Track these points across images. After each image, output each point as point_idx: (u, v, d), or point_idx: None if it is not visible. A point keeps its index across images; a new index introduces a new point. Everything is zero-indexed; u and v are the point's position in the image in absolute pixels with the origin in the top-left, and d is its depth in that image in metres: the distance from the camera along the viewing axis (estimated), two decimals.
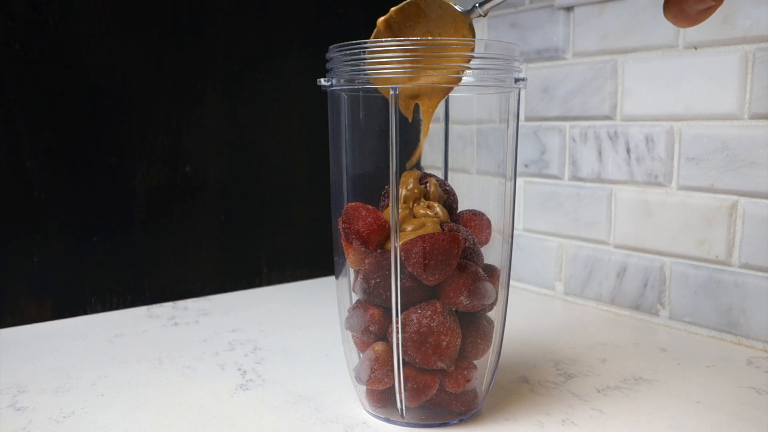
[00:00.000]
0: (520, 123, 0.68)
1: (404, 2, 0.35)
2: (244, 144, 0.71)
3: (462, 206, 0.40)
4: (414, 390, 0.37)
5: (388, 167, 0.35)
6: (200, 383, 0.45)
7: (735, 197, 0.53)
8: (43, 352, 0.51)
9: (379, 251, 0.37)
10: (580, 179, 0.64)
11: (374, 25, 0.36)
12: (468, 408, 0.39)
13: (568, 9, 0.63)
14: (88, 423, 0.39)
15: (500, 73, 0.37)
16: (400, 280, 0.36)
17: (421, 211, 0.37)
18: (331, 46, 0.37)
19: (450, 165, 0.43)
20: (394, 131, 0.35)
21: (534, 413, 0.40)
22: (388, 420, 0.39)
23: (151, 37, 0.64)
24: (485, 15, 0.35)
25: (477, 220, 0.39)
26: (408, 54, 0.34)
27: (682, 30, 0.55)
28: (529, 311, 0.63)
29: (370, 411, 0.40)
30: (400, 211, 0.37)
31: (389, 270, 0.36)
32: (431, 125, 0.38)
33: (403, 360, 0.37)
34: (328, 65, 0.38)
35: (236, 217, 0.72)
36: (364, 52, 0.35)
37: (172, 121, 0.66)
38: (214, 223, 0.70)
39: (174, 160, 0.67)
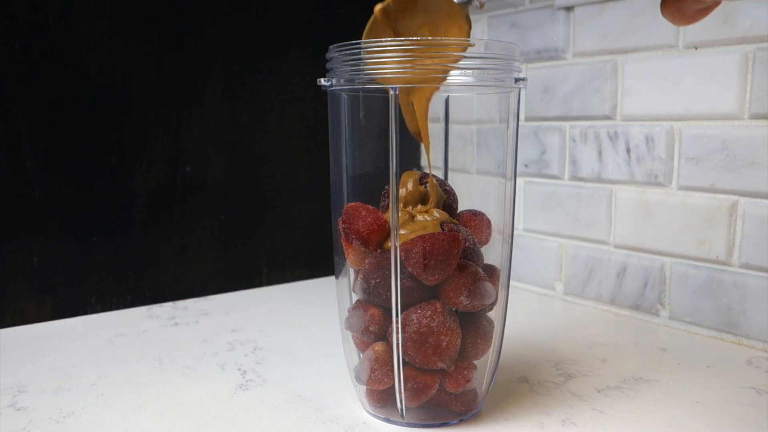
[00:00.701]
0: (520, 123, 0.68)
1: None
2: (244, 144, 0.71)
3: (462, 206, 0.40)
4: (414, 390, 0.37)
5: (388, 167, 0.35)
6: (200, 383, 0.45)
7: (735, 197, 0.53)
8: (43, 352, 0.51)
9: (379, 251, 0.37)
10: (580, 179, 0.64)
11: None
12: (468, 408, 0.39)
13: (568, 9, 0.63)
14: (88, 423, 0.39)
15: (500, 73, 0.37)
16: (400, 280, 0.36)
17: (420, 217, 0.37)
18: (331, 46, 0.37)
19: (450, 165, 0.43)
20: (394, 131, 0.35)
21: (534, 413, 0.40)
22: (388, 420, 0.39)
23: (151, 37, 0.64)
24: (481, 7, 0.35)
25: (477, 220, 0.39)
26: (407, 52, 0.34)
27: (682, 30, 0.55)
28: (529, 311, 0.63)
29: (370, 411, 0.40)
30: (399, 215, 0.37)
31: (389, 270, 0.36)
32: (431, 125, 0.38)
33: (403, 360, 0.37)
34: (328, 65, 0.38)
35: (236, 217, 0.72)
36: (364, 52, 0.35)
37: (172, 121, 0.66)
38: (214, 223, 0.70)
39: (174, 160, 0.67)
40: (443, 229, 0.37)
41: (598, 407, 0.41)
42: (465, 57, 0.35)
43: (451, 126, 0.42)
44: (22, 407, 0.41)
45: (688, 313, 0.56)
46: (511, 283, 0.51)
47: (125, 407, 0.41)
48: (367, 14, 0.35)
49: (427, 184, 0.38)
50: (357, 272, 0.38)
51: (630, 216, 0.60)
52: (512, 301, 0.44)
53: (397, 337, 0.36)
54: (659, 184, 0.58)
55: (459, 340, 0.37)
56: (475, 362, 0.38)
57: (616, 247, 0.62)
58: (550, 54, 0.65)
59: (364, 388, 0.40)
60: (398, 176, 0.36)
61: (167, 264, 0.67)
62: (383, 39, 0.34)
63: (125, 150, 0.63)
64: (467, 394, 0.39)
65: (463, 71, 0.35)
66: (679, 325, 0.57)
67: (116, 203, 0.64)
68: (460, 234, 0.36)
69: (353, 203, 0.38)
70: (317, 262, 0.77)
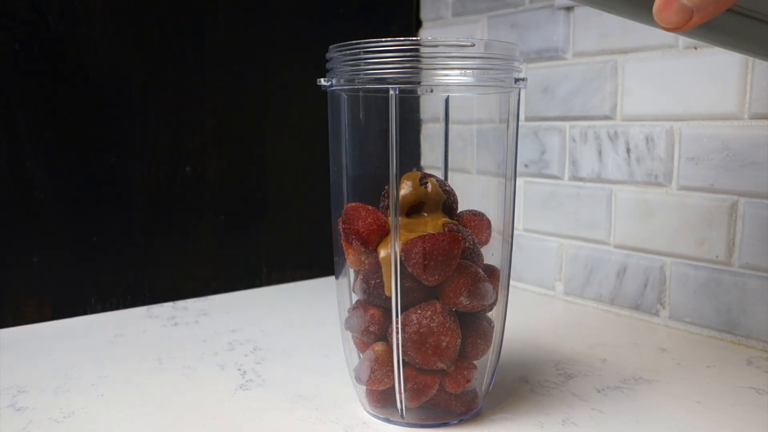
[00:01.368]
0: (520, 123, 0.68)
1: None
2: (244, 144, 0.71)
3: (462, 206, 0.40)
4: (414, 390, 0.37)
5: (388, 168, 0.35)
6: (200, 383, 0.45)
7: (735, 197, 0.53)
8: (43, 352, 0.51)
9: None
10: (580, 179, 0.64)
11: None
12: (468, 408, 0.39)
13: (568, 9, 0.63)
14: (88, 423, 0.39)
15: (500, 73, 0.37)
16: (400, 280, 0.36)
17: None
18: (331, 46, 0.37)
19: (450, 165, 0.43)
20: (394, 131, 0.35)
21: (534, 413, 0.40)
22: (388, 420, 0.39)
23: (151, 37, 0.64)
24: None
25: (477, 220, 0.39)
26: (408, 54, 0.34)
27: None
28: (529, 311, 0.63)
29: (370, 411, 0.40)
30: (399, 220, 0.37)
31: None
32: (431, 125, 0.38)
33: (403, 360, 0.37)
34: (328, 65, 0.38)
35: (236, 217, 0.72)
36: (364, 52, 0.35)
37: (172, 121, 0.66)
38: (214, 223, 0.70)
39: (174, 160, 0.67)
40: (443, 229, 0.37)
41: (598, 407, 0.41)
42: (465, 57, 0.35)
43: (451, 126, 0.42)
44: (22, 407, 0.41)
45: (688, 313, 0.56)
46: (511, 283, 0.51)
47: (125, 407, 0.41)
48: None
49: (428, 185, 0.38)
50: (357, 272, 0.38)
51: (630, 216, 0.60)
52: (512, 301, 0.44)
53: (397, 338, 0.36)
54: (659, 184, 0.58)
55: (459, 341, 0.37)
56: (475, 362, 0.38)
57: (616, 247, 0.62)
58: (550, 54, 0.65)
59: (364, 388, 0.40)
60: (398, 176, 0.36)
61: (167, 264, 0.67)
62: (383, 39, 0.34)
63: (125, 150, 0.63)
64: (467, 395, 0.39)
65: (463, 71, 0.35)
66: (679, 325, 0.57)
67: (116, 203, 0.64)
68: (460, 234, 0.36)
69: (353, 203, 0.38)
70: (317, 262, 0.77)
